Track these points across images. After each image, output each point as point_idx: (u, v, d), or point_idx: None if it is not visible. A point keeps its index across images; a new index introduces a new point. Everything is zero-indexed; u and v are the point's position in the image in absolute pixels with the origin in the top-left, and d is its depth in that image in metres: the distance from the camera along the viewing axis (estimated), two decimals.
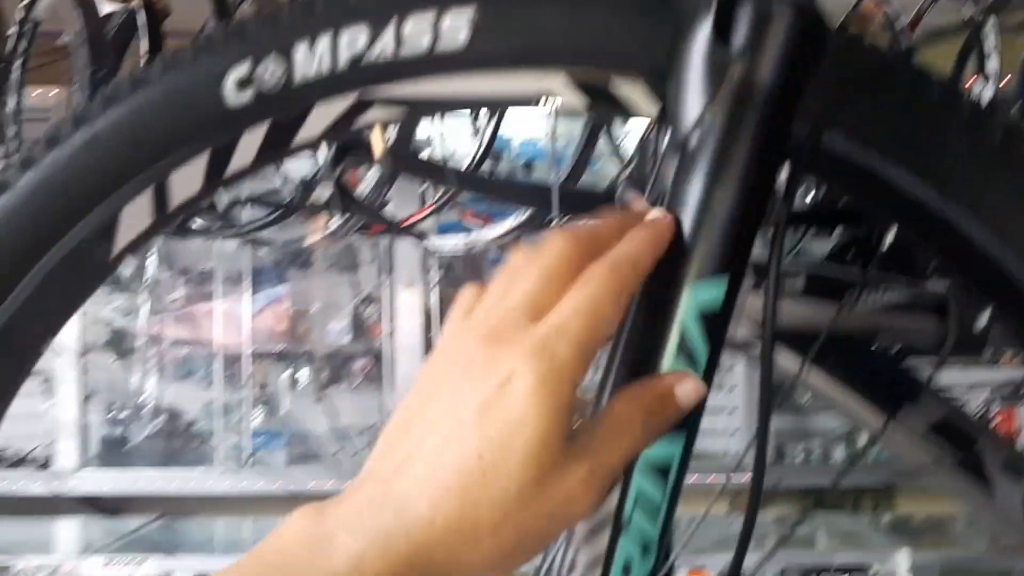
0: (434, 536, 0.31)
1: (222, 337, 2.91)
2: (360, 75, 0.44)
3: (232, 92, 0.43)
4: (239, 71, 0.43)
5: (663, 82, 0.43)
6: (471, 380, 0.32)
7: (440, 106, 0.45)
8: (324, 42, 0.43)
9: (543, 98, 0.45)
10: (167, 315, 2.91)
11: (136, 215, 0.44)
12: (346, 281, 3.01)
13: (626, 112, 0.46)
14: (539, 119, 0.46)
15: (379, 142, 0.47)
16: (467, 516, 0.31)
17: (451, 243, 1.80)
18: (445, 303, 2.93)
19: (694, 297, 0.37)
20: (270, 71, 0.43)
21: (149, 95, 0.43)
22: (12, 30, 1.75)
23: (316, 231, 1.76)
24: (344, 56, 0.44)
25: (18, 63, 1.82)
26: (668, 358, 0.36)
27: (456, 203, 1.79)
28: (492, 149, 1.61)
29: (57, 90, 2.39)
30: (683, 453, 0.36)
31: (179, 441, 2.91)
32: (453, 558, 0.31)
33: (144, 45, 1.68)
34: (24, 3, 1.86)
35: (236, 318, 2.92)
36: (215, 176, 0.45)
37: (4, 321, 0.43)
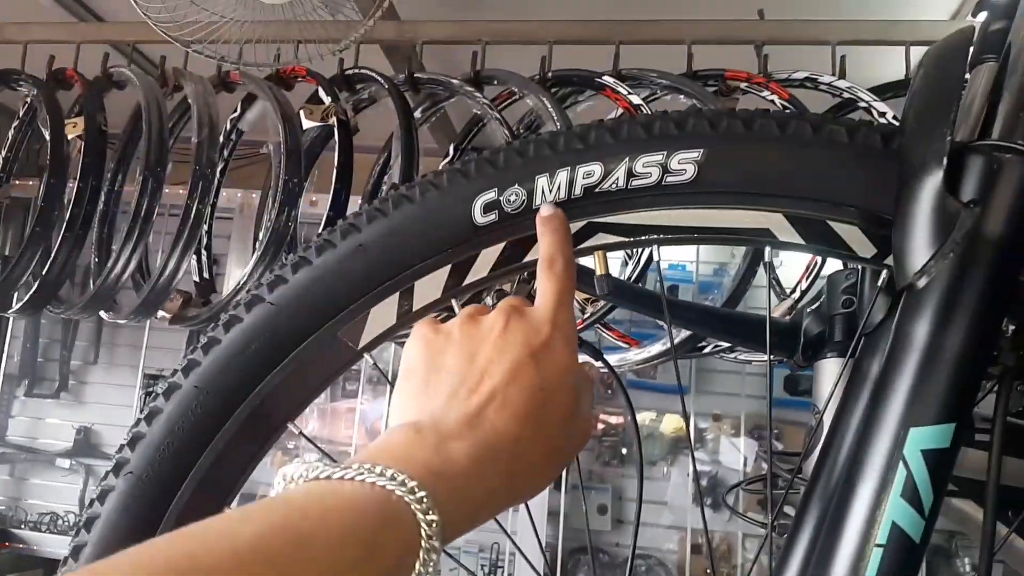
0: (523, 447, 0.43)
1: (359, 435, 3.06)
2: (592, 203, 0.49)
3: (479, 213, 0.50)
4: (487, 196, 0.50)
5: (881, 228, 0.46)
6: (514, 337, 0.45)
7: (659, 233, 0.49)
8: (563, 174, 0.49)
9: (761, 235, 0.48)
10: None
11: (383, 314, 0.51)
12: None
13: (839, 253, 0.48)
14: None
15: (601, 264, 0.52)
16: (541, 432, 0.44)
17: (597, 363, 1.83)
18: None
19: (920, 441, 0.39)
20: (513, 197, 0.50)
21: (409, 212, 0.51)
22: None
23: None
24: (580, 185, 0.49)
25: (220, 168, 2.09)
26: (893, 497, 0.39)
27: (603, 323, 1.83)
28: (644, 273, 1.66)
29: (241, 192, 2.73)
30: None
31: None
32: (533, 461, 0.44)
33: (337, 158, 1.89)
34: (232, 115, 2.14)
35: (375, 416, 3.07)
36: (454, 286, 0.51)
37: (261, 396, 0.51)
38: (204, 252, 2.22)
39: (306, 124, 1.97)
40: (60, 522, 3.28)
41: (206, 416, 0.50)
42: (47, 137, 2.13)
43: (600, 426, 3.08)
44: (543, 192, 0.50)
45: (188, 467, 0.50)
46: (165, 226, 2.07)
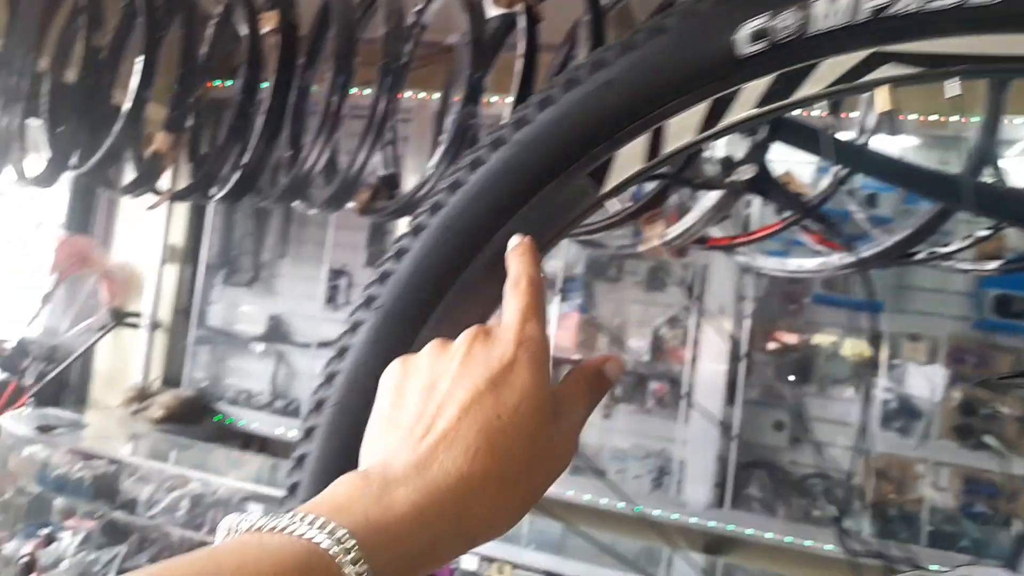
0: (474, 485, 0.41)
1: None
2: (880, 28, 0.44)
3: (744, 42, 0.46)
4: (756, 21, 0.45)
5: None
6: (474, 364, 0.44)
7: (959, 64, 0.43)
8: None
9: None
10: None
11: (630, 156, 0.49)
12: (652, 300, 3.02)
13: None
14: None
15: (886, 101, 0.46)
16: (498, 467, 0.42)
17: (795, 265, 1.71)
18: (756, 337, 2.85)
19: None
20: (786, 22, 0.45)
21: (664, 42, 0.47)
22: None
23: (652, 238, 1.79)
24: (866, 8, 0.44)
25: (402, 64, 2.09)
26: None
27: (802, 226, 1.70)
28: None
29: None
30: None
31: None
32: (489, 498, 0.42)
33: (520, 47, 1.85)
34: (416, 8, 2.13)
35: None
36: (710, 126, 0.48)
37: (504, 239, 0.50)
38: (390, 147, 2.28)
39: (490, 13, 1.94)
40: (254, 400, 3.60)
41: (451, 255, 0.50)
42: (241, 35, 2.23)
43: (774, 344, 2.97)
44: (822, 16, 0.44)
45: (432, 304, 0.51)
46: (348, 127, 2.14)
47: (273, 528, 0.37)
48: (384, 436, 0.45)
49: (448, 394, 0.44)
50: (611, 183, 0.50)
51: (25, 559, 2.91)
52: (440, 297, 0.51)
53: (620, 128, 0.48)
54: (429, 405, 0.44)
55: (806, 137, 0.64)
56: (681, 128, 0.48)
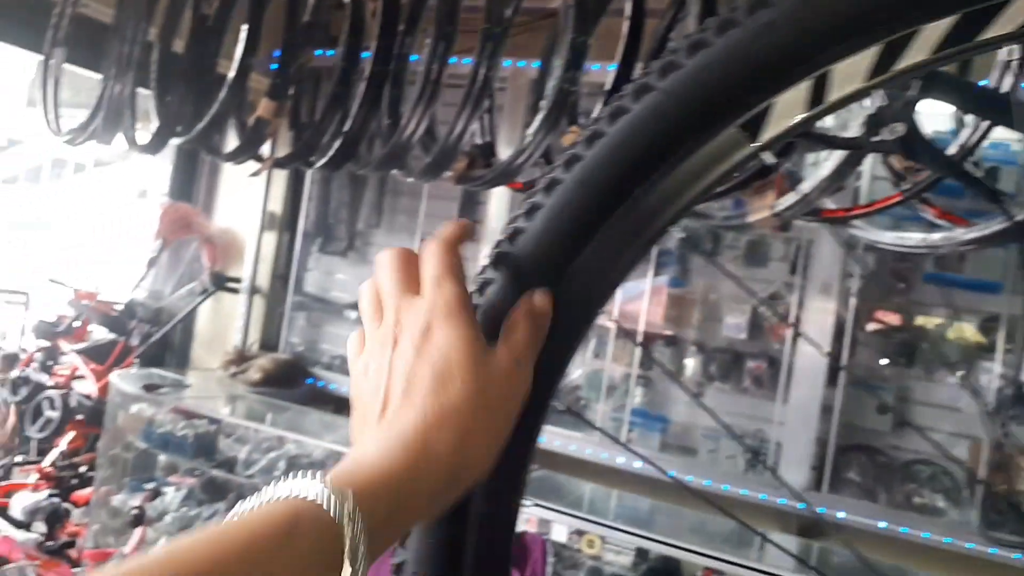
0: (430, 427, 0.46)
1: (617, 312, 3.04)
2: None
3: None
4: None
5: None
6: (403, 340, 0.49)
7: None
8: None
9: None
10: None
11: (789, 105, 0.45)
12: (751, 275, 2.90)
13: None
14: None
15: None
16: (446, 409, 0.46)
17: (917, 240, 1.60)
18: (861, 315, 2.70)
19: None
20: None
21: None
22: None
23: (761, 209, 1.71)
24: None
25: (503, 29, 2.04)
26: None
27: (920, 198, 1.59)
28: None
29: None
30: None
31: (561, 405, 3.11)
32: (452, 443, 0.46)
33: (627, 9, 1.79)
34: None
35: (634, 296, 3.02)
36: (880, 71, 0.43)
37: (646, 194, 0.47)
38: (487, 116, 2.26)
39: None
40: (347, 366, 3.67)
41: (587, 212, 0.48)
42: (343, 2, 2.24)
43: (875, 326, 2.84)
44: None
45: (565, 264, 0.48)
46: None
47: (271, 498, 0.41)
48: (355, 430, 0.51)
49: (390, 374, 0.49)
50: (767, 134, 0.46)
51: (135, 511, 3.05)
52: (574, 257, 0.48)
53: (782, 74, 0.44)
54: (379, 391, 0.49)
55: (963, 93, 0.58)
56: (848, 74, 0.44)
